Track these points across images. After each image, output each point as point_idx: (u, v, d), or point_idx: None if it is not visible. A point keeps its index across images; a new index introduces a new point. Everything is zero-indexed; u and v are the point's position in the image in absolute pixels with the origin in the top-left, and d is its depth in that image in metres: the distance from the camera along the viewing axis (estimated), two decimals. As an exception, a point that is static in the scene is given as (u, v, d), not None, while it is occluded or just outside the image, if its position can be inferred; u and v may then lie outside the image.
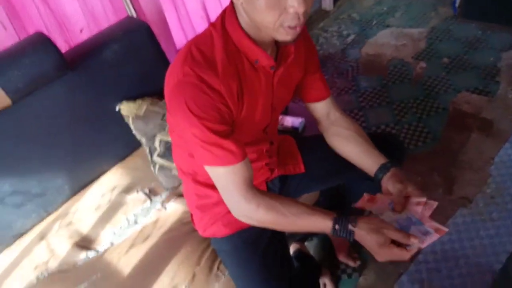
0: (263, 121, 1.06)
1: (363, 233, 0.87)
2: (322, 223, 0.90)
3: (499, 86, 2.28)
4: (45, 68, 1.30)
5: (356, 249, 1.69)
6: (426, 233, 0.87)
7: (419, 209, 0.91)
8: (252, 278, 1.09)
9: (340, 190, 1.42)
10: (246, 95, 0.94)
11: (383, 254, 0.86)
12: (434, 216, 0.92)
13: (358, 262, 1.64)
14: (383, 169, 1.03)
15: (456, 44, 2.67)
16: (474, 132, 2.05)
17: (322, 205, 1.68)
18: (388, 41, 2.82)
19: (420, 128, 2.15)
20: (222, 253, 1.17)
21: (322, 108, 1.18)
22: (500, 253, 1.56)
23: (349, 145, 1.14)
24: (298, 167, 1.28)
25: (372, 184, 1.07)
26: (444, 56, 2.59)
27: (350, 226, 0.87)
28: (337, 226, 0.88)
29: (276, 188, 1.25)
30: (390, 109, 2.31)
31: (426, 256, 1.62)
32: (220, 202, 1.13)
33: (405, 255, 0.84)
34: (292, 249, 1.65)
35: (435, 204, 0.92)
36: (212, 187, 1.08)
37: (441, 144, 2.04)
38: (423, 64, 2.56)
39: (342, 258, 1.66)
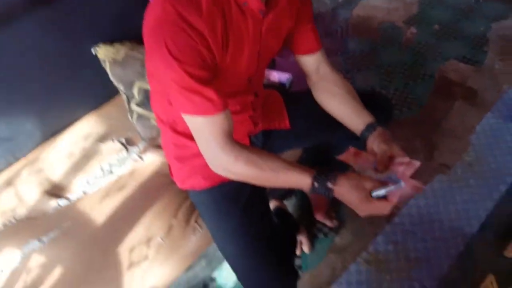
0: (248, 70, 0.99)
1: (343, 190, 0.84)
2: (301, 180, 0.87)
3: (487, 56, 2.26)
4: (14, -1, 1.19)
5: (334, 209, 1.70)
6: (403, 190, 0.86)
7: (401, 168, 0.90)
8: (231, 232, 1.06)
9: (324, 148, 1.40)
10: (231, 40, 0.87)
11: (364, 208, 0.85)
12: (414, 177, 0.90)
13: (336, 222, 1.65)
14: (369, 128, 1.01)
15: (448, 11, 2.61)
16: (459, 100, 2.05)
17: (305, 162, 1.66)
18: (380, 4, 2.74)
19: (406, 94, 2.13)
20: (200, 206, 1.14)
21: (312, 62, 1.12)
22: (472, 218, 1.59)
23: (337, 102, 1.10)
24: (283, 122, 1.24)
25: (357, 143, 1.05)
26: (435, 23, 2.53)
27: (329, 184, 0.85)
28: (316, 184, 0.85)
29: (259, 142, 1.21)
30: (378, 73, 2.27)
31: (402, 219, 1.64)
32: (200, 153, 1.09)
33: (386, 207, 0.84)
34: (271, 206, 1.64)
35: (417, 164, 0.90)
36: (192, 137, 1.02)
37: (425, 111, 2.03)
38: (413, 29, 2.51)
39: (319, 217, 1.66)
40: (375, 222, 1.64)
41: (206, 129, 0.86)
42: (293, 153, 1.47)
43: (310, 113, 1.20)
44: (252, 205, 1.09)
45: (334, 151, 1.38)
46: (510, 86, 2.07)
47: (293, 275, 1.15)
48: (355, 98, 1.10)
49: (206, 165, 1.07)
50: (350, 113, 1.08)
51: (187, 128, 0.94)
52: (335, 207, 1.71)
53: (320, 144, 1.33)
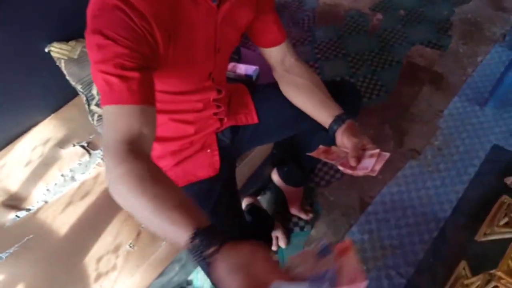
0: (205, 64, 0.94)
1: (223, 267, 0.57)
2: (179, 235, 0.61)
3: (451, 40, 2.29)
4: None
5: (309, 202, 1.69)
6: None
7: (372, 161, 0.88)
8: None
9: (295, 142, 1.37)
10: (182, 30, 0.81)
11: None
12: (384, 168, 0.90)
13: (311, 215, 1.64)
14: (338, 121, 0.99)
15: (412, -4, 2.63)
16: (426, 85, 2.07)
17: (276, 158, 1.64)
18: (345, -9, 2.72)
19: (374, 81, 2.13)
20: None
21: (277, 54, 1.09)
22: (444, 203, 1.61)
23: (303, 95, 1.08)
24: (251, 117, 1.20)
25: (326, 135, 1.02)
26: (401, 8, 2.54)
27: (210, 252, 0.59)
28: (193, 243, 0.59)
29: (227, 139, 1.17)
30: (346, 61, 2.26)
31: (375, 207, 1.64)
32: (165, 155, 1.05)
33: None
34: (244, 203, 1.61)
35: (387, 155, 0.89)
36: (157, 138, 0.97)
37: (393, 97, 2.04)
38: (379, 16, 2.51)
39: (294, 211, 1.65)
40: (349, 213, 1.64)
41: (112, 120, 0.70)
42: (263, 149, 1.44)
43: (278, 105, 1.16)
44: (223, 202, 1.05)
45: (305, 145, 1.36)
46: (474, 70, 2.11)
47: None
48: (322, 89, 1.07)
49: (174, 166, 1.05)
50: (317, 106, 1.05)
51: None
52: (309, 199, 1.70)
53: (290, 138, 1.30)
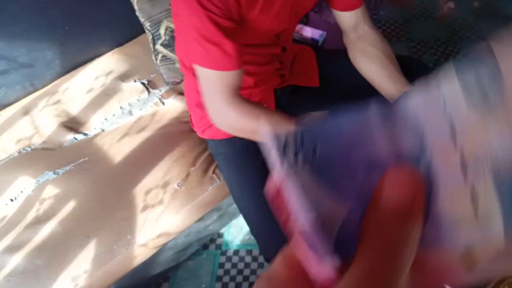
0: (279, 26, 0.92)
1: None
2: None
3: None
4: None
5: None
6: None
7: None
8: (249, 184, 1.02)
9: None
10: None
11: None
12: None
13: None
14: None
15: (490, -11, 2.47)
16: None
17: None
18: (419, -27, 2.59)
19: (435, 71, 2.04)
20: (219, 157, 1.10)
21: (351, 19, 1.03)
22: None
23: (373, 65, 1.03)
24: (313, 80, 1.17)
25: None
26: (476, 0, 2.40)
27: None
28: None
29: (285, 97, 1.15)
30: (408, 46, 2.17)
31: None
32: None
33: None
34: None
35: None
36: None
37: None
38: (451, 5, 2.38)
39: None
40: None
41: (215, 83, 0.82)
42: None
43: (342, 74, 1.13)
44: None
45: None
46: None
47: None
48: (394, 62, 1.02)
49: None
50: (385, 78, 1.00)
51: None
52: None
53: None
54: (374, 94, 1.05)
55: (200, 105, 1.05)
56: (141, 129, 1.25)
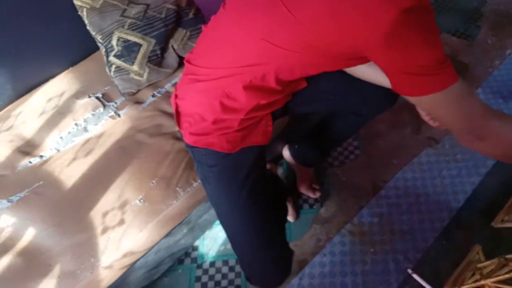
0: None
1: None
2: None
3: (480, 31, 2.22)
4: None
5: (319, 181, 1.67)
6: None
7: None
8: (238, 203, 0.99)
9: (321, 120, 1.35)
10: None
11: None
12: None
13: (318, 194, 1.62)
14: None
15: (444, -16, 2.54)
16: (450, 74, 2.01)
17: (289, 135, 1.60)
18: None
19: (397, 66, 2.08)
20: (208, 168, 1.01)
21: None
22: (458, 193, 1.58)
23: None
24: (301, 81, 1.14)
25: (361, 120, 1.10)
26: (430, -5, 2.46)
27: None
28: None
29: (277, 111, 1.05)
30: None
31: (387, 192, 1.62)
32: (238, 119, 0.95)
33: None
34: None
35: None
36: (251, 105, 0.92)
37: (415, 84, 1.99)
38: (407, 1, 2.44)
39: (302, 190, 1.63)
40: (361, 195, 1.62)
41: (466, 95, 0.75)
42: (279, 122, 1.40)
43: (330, 73, 1.10)
44: (262, 177, 1.04)
45: (331, 125, 1.34)
46: (501, 62, 2.04)
47: (289, 254, 1.11)
48: None
49: (236, 131, 0.95)
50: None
51: (256, 96, 0.89)
52: (320, 178, 1.68)
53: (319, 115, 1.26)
54: (359, 96, 1.03)
55: (215, 119, 0.95)
56: (96, 146, 1.21)
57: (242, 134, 0.97)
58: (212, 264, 1.48)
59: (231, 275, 1.45)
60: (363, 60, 0.82)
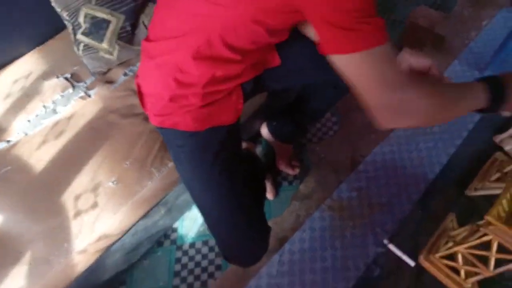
0: None
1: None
2: (478, 99, 0.76)
3: (457, 2, 2.21)
4: None
5: (298, 158, 1.66)
6: None
7: None
8: (211, 182, 0.97)
9: (298, 95, 1.32)
10: None
11: None
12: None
13: (297, 170, 1.61)
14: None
15: (421, -44, 2.51)
16: (427, 46, 2.01)
17: (268, 111, 1.59)
18: None
19: (375, 40, 2.06)
20: (177, 148, 0.99)
21: None
22: (435, 164, 1.60)
23: None
24: (272, 57, 1.11)
25: (336, 92, 1.09)
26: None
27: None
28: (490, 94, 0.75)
29: (248, 88, 1.02)
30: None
31: (366, 166, 1.62)
32: (198, 94, 0.90)
33: None
34: None
35: None
36: (207, 77, 0.86)
37: (393, 58, 1.98)
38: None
39: (282, 167, 1.62)
40: (340, 170, 1.62)
41: (387, 61, 0.68)
42: (256, 99, 1.38)
43: (303, 47, 1.06)
44: (235, 155, 1.01)
45: (309, 99, 1.32)
46: (477, 34, 2.05)
47: (267, 233, 1.10)
48: None
49: (200, 107, 0.92)
50: None
51: (210, 67, 0.84)
52: (299, 155, 1.68)
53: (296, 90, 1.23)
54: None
55: (172, 96, 0.91)
56: (65, 128, 1.17)
57: (208, 110, 0.93)
58: (192, 245, 1.48)
59: (211, 255, 1.45)
60: (299, 14, 0.74)
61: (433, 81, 0.75)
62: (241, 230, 1.02)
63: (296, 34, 1.04)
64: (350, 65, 0.68)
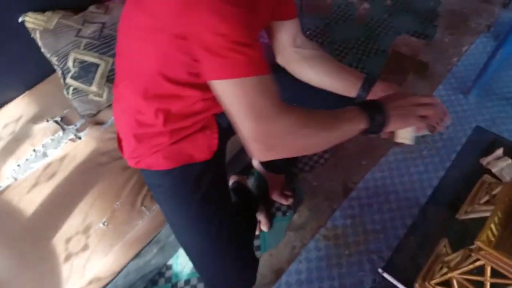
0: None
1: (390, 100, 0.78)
2: (356, 118, 0.74)
3: (437, 30, 2.29)
4: None
5: (290, 187, 1.66)
6: None
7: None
8: (189, 219, 0.97)
9: None
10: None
11: (417, 99, 0.80)
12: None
13: (291, 200, 1.61)
14: (369, 81, 0.92)
15: (399, -13, 2.62)
16: (410, 74, 2.06)
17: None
18: (332, -20, 2.70)
19: (360, 69, 2.12)
20: (156, 189, 1.00)
21: (291, 29, 0.98)
22: (426, 188, 1.61)
23: (324, 63, 0.98)
24: None
25: None
26: (387, -2, 2.54)
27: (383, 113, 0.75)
28: (369, 113, 0.75)
29: (224, 122, 1.03)
30: (332, 49, 2.24)
31: (358, 193, 1.63)
32: (164, 133, 0.92)
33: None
34: (230, 181, 1.57)
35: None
36: (163, 114, 0.87)
37: (379, 85, 2.03)
38: (366, 5, 2.50)
39: (275, 197, 1.62)
40: (332, 198, 1.62)
41: (261, 91, 0.67)
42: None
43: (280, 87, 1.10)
44: (214, 192, 0.99)
45: None
46: (459, 59, 2.11)
47: (253, 264, 1.09)
48: (336, 60, 1.00)
49: (169, 145, 0.93)
50: (341, 72, 0.97)
51: (162, 103, 0.85)
52: (291, 184, 1.68)
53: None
54: (315, 104, 1.02)
55: (137, 136, 0.94)
56: (56, 172, 1.16)
57: (178, 148, 0.93)
58: (187, 282, 1.45)
59: (208, 292, 1.42)
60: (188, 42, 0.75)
61: (308, 110, 0.73)
62: (224, 261, 1.00)
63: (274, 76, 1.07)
64: (223, 92, 0.68)
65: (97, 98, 1.30)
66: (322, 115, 0.74)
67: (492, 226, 0.77)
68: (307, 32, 2.34)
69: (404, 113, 0.78)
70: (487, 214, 0.93)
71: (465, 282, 0.81)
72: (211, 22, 0.63)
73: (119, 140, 1.02)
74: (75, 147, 1.22)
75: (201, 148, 0.96)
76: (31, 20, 1.25)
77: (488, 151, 1.14)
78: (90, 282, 1.03)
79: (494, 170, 1.10)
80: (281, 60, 1.04)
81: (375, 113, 0.75)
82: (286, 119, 0.68)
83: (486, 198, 1.01)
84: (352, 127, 0.75)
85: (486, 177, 1.07)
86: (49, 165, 1.19)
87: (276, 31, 0.99)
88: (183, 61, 0.77)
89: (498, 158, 1.10)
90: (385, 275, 0.94)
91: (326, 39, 2.30)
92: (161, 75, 0.81)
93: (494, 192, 1.00)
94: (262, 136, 0.68)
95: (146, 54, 0.80)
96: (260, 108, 0.67)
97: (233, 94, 0.67)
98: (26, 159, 1.20)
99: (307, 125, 0.71)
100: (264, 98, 0.67)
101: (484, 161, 1.12)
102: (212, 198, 0.98)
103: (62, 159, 1.20)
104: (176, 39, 0.71)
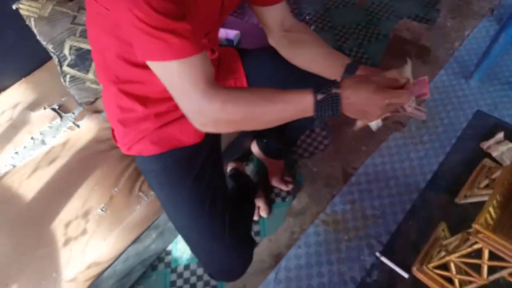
0: (207, 23, 0.87)
1: (350, 90, 0.72)
2: (302, 99, 0.73)
3: (439, 14, 2.25)
4: None
5: (290, 173, 1.66)
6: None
7: (415, 88, 0.85)
8: (182, 202, 0.97)
9: None
10: None
11: (381, 97, 0.73)
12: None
13: (291, 186, 1.61)
14: (352, 67, 0.91)
15: (401, -30, 2.57)
16: (412, 58, 2.03)
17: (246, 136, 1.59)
18: (333, -36, 2.65)
19: (361, 54, 2.09)
20: (148, 174, 1.02)
21: (277, 13, 0.98)
22: (426, 173, 1.60)
23: (311, 48, 0.98)
24: (240, 81, 1.13)
25: None
26: (389, -18, 2.49)
27: (334, 89, 0.72)
28: (319, 96, 0.72)
29: None
30: (332, 34, 2.21)
31: (358, 178, 1.62)
32: (148, 117, 0.95)
33: (404, 94, 0.76)
34: (228, 167, 1.57)
35: (426, 78, 0.85)
36: (139, 99, 0.90)
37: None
38: (367, -11, 2.46)
39: (275, 183, 1.62)
40: (332, 184, 1.62)
41: (183, 75, 0.70)
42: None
43: (270, 72, 1.09)
44: (206, 173, 0.99)
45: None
46: (461, 43, 2.08)
47: (249, 244, 1.09)
48: (326, 44, 0.99)
49: (156, 129, 0.95)
50: (327, 56, 0.96)
51: (136, 89, 0.85)
52: (292, 170, 1.67)
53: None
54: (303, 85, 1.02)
55: (122, 122, 0.97)
56: (55, 159, 1.16)
57: (165, 132, 0.95)
58: (186, 267, 1.46)
59: (206, 276, 1.43)
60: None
61: (252, 89, 0.77)
62: (219, 239, 0.99)
63: (266, 58, 1.06)
64: (155, 72, 0.72)
65: (94, 86, 1.29)
66: (259, 94, 0.75)
67: (491, 209, 0.76)
68: (307, 17, 2.31)
69: (362, 111, 0.75)
70: (486, 198, 0.93)
71: (462, 265, 0.81)
72: (128, 7, 0.65)
73: (112, 130, 1.05)
74: (73, 136, 1.22)
75: (188, 132, 0.97)
76: (25, 8, 1.23)
77: (489, 135, 1.13)
78: (89, 266, 1.03)
79: (494, 154, 1.09)
80: (272, 43, 1.05)
81: (327, 101, 0.73)
82: (212, 102, 0.71)
83: (486, 182, 1.01)
84: (293, 106, 0.74)
85: (486, 161, 1.07)
86: (49, 150, 1.19)
87: (262, 16, 1.00)
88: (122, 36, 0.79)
89: (499, 142, 1.09)
90: (383, 258, 0.94)
91: (327, 24, 2.27)
92: (122, 59, 0.83)
93: (493, 176, 0.99)
94: (195, 114, 0.73)
95: (102, 39, 0.83)
96: (187, 91, 0.71)
97: (162, 75, 0.72)
98: (24, 147, 1.20)
99: (237, 104, 0.73)
100: (187, 82, 0.70)
101: (485, 145, 1.11)
102: (205, 174, 0.99)
103: (60, 147, 1.19)
104: (115, 23, 0.74)
